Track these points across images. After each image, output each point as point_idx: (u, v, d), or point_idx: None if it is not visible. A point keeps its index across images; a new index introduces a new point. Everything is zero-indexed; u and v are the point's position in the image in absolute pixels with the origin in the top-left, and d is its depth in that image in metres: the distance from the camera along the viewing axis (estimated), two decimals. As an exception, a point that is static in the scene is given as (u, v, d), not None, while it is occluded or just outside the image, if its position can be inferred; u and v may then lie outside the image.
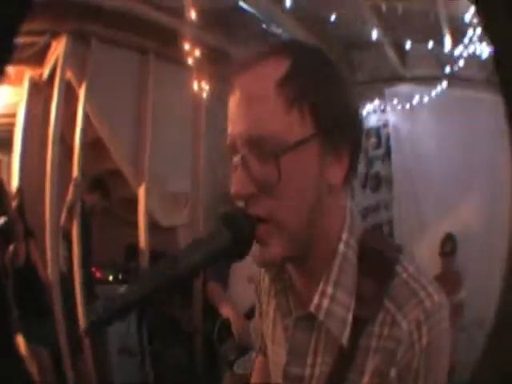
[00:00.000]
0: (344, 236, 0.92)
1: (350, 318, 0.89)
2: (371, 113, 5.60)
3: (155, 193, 4.40)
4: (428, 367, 0.86)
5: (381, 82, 5.38)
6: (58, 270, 3.79)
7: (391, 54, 4.84)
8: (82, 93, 3.91)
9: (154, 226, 4.38)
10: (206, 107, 4.61)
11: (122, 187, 4.43)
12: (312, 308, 0.91)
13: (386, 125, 5.73)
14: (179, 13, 3.40)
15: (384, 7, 3.92)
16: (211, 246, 0.83)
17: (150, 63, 4.30)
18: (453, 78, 4.66)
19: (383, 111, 5.63)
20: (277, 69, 0.86)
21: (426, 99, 5.14)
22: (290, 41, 0.99)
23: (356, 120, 0.91)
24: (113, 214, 4.73)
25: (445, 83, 4.72)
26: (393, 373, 0.86)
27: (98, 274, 4.52)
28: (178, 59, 3.64)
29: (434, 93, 4.98)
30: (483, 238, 4.68)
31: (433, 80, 4.90)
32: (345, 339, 0.88)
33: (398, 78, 5.34)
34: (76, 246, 3.84)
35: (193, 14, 3.23)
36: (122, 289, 0.78)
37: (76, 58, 3.87)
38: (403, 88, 5.41)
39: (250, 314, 3.04)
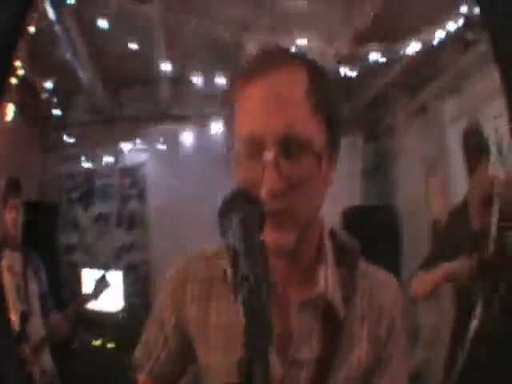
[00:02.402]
0: (326, 228, 1.09)
1: (340, 296, 1.04)
2: (129, 151, 5.67)
3: None
4: (403, 324, 1.09)
5: (142, 120, 5.53)
6: None
7: (163, 91, 5.05)
8: None
9: None
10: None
11: None
12: (321, 290, 1.03)
13: (143, 164, 5.84)
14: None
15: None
16: None
17: None
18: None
19: (141, 150, 5.70)
20: (302, 76, 0.96)
21: (186, 139, 5.39)
22: (302, 53, 1.07)
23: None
24: None
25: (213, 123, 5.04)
26: (383, 332, 1.07)
27: None
28: None
29: (193, 133, 5.27)
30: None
31: (196, 119, 5.20)
32: (343, 314, 1.03)
33: (157, 117, 5.54)
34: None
35: None
36: None
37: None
38: (161, 127, 5.59)
39: None
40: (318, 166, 0.96)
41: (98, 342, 4.08)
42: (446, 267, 2.92)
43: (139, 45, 3.54)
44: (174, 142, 5.53)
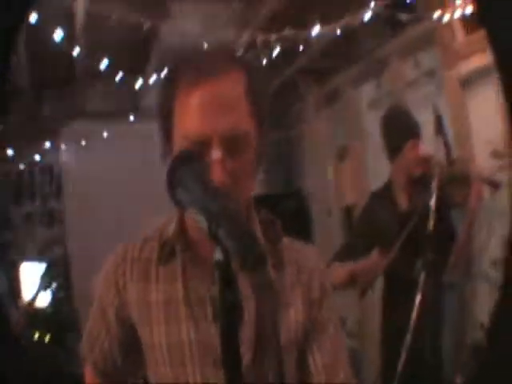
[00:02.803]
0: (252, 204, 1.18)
1: (270, 263, 1.11)
2: (47, 151, 5.67)
3: None
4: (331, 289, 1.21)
5: (58, 119, 5.57)
6: None
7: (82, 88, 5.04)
8: None
9: None
10: None
11: None
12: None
13: (58, 162, 5.91)
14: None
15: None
16: None
17: None
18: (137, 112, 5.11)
19: (58, 148, 5.73)
20: (240, 78, 1.06)
21: (104, 135, 5.42)
22: (238, 56, 1.19)
23: None
24: None
25: (129, 117, 5.12)
26: (316, 294, 1.17)
27: None
28: None
29: (112, 128, 5.33)
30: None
31: (114, 115, 5.28)
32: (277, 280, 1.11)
33: (76, 115, 5.59)
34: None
35: None
36: None
37: None
38: (79, 124, 5.60)
39: None
40: (255, 159, 1.08)
41: (36, 335, 4.08)
42: (355, 266, 2.90)
43: (63, 39, 3.53)
44: (90, 139, 5.55)
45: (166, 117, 1.09)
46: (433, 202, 2.69)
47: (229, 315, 0.78)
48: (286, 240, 1.20)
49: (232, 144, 1.02)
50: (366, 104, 4.99)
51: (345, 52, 4.87)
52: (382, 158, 3.53)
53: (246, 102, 1.05)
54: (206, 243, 1.04)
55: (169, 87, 1.09)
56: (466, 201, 2.92)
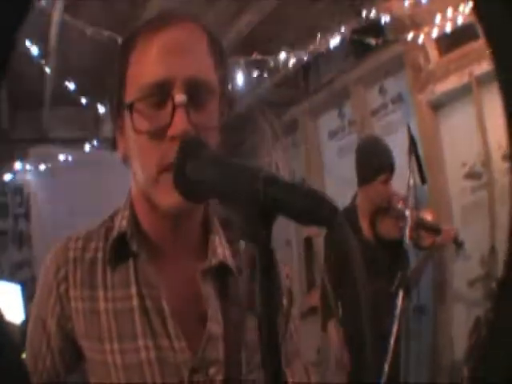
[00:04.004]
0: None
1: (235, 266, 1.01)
2: (17, 172, 5.67)
3: None
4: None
5: (25, 141, 5.62)
6: None
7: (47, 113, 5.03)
8: None
9: None
10: None
11: None
12: (220, 257, 0.99)
13: (27, 184, 5.91)
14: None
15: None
16: None
17: None
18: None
19: (26, 170, 5.73)
20: (201, 32, 0.96)
21: (68, 160, 5.48)
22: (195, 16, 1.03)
23: None
24: None
25: (86, 145, 5.18)
26: (284, 299, 1.06)
27: None
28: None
29: (75, 154, 5.39)
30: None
31: (75, 142, 5.34)
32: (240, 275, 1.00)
33: (42, 139, 5.67)
34: None
35: None
36: None
37: None
38: (45, 148, 5.68)
39: None
40: (218, 114, 0.97)
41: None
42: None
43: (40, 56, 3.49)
44: (54, 162, 5.55)
45: (120, 78, 0.96)
46: (407, 226, 2.84)
47: (269, 306, 0.65)
48: (242, 241, 1.06)
49: (194, 92, 0.90)
50: (327, 134, 4.95)
51: (306, 81, 4.82)
52: (343, 189, 3.56)
53: (207, 52, 0.96)
54: (167, 239, 0.99)
55: (125, 47, 0.97)
56: (430, 247, 3.16)
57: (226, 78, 1.02)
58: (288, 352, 1.05)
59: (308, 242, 5.12)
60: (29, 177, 5.81)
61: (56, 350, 1.03)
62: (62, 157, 5.47)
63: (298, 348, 1.10)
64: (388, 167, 3.09)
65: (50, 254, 1.05)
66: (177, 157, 0.83)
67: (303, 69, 4.40)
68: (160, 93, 0.90)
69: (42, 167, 5.59)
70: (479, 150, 3.37)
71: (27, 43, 3.42)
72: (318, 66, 4.63)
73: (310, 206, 0.61)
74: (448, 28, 3.31)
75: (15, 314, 4.51)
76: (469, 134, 3.43)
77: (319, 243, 4.75)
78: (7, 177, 5.66)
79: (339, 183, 4.50)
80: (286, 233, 5.33)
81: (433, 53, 3.66)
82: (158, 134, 0.90)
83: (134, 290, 0.97)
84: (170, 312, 0.96)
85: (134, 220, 1.01)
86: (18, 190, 6.00)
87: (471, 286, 3.49)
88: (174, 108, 0.88)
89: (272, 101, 5.16)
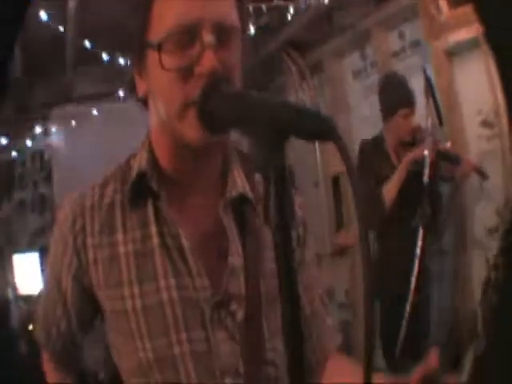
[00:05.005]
0: None
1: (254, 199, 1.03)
2: (38, 137, 5.66)
3: None
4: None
5: (47, 105, 5.55)
6: None
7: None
8: None
9: None
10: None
11: None
12: (240, 190, 1.01)
13: (48, 147, 5.88)
14: None
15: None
16: None
17: None
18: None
19: (46, 134, 5.71)
20: None
21: (91, 116, 5.37)
22: None
23: None
24: None
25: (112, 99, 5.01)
26: (301, 230, 1.09)
27: None
28: None
29: (98, 109, 5.30)
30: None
31: (100, 97, 5.22)
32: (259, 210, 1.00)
33: (65, 99, 5.56)
34: None
35: None
36: None
37: None
38: (68, 108, 5.59)
39: None
40: (241, 53, 0.98)
41: (31, 327, 4.06)
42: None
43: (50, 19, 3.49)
44: (78, 121, 5.50)
45: (143, 19, 0.97)
46: (427, 163, 3.01)
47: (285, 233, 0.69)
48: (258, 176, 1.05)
49: (221, 33, 0.93)
50: (351, 75, 5.00)
51: (328, 24, 4.87)
52: (368, 128, 3.59)
53: None
54: (188, 176, 1.01)
55: None
56: (453, 177, 3.22)
57: (246, 19, 1.05)
58: (304, 280, 1.06)
59: (335, 182, 5.12)
60: (51, 139, 5.76)
61: (72, 310, 1.04)
62: (85, 114, 5.38)
63: (316, 276, 1.13)
64: (407, 102, 3.18)
65: (64, 207, 1.04)
66: (202, 92, 0.89)
67: (327, 12, 4.46)
68: (189, 33, 0.92)
69: (67, 127, 5.54)
70: (490, 100, 3.37)
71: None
72: (341, 10, 4.67)
73: (315, 126, 0.70)
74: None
75: (33, 285, 4.53)
76: (483, 83, 3.41)
77: (346, 182, 4.85)
78: (27, 143, 5.65)
79: (364, 122, 4.54)
80: (313, 174, 5.34)
81: (443, 4, 3.65)
82: (186, 72, 0.92)
83: (153, 229, 0.98)
84: (190, 249, 0.97)
85: (153, 160, 1.01)
86: (37, 154, 5.99)
87: (489, 234, 3.49)
88: (203, 47, 0.91)
89: (297, 42, 5.23)
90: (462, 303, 3.55)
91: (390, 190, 3.08)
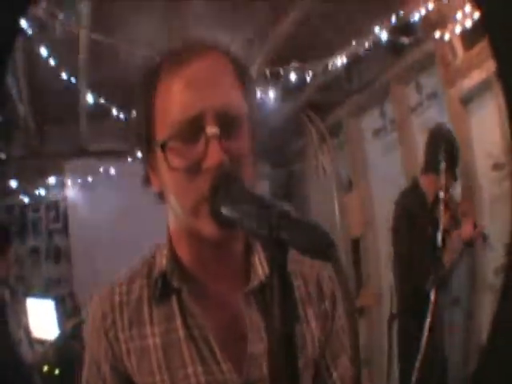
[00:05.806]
0: None
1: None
2: (52, 187, 5.75)
3: None
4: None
5: (62, 156, 5.69)
6: None
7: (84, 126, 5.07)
8: None
9: None
10: None
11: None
12: (261, 277, 1.01)
13: (64, 199, 6.00)
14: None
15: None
16: None
17: None
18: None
19: (62, 185, 5.81)
20: (228, 63, 0.98)
21: (109, 173, 5.48)
22: (222, 44, 1.04)
23: None
24: None
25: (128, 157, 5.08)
26: (327, 305, 1.09)
27: None
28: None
29: (116, 167, 5.40)
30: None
31: (116, 154, 5.28)
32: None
33: (81, 152, 5.67)
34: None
35: None
36: None
37: None
38: (84, 162, 5.73)
39: None
40: (250, 149, 0.98)
41: (45, 368, 4.02)
42: None
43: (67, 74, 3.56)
44: (94, 176, 5.59)
45: (147, 115, 0.98)
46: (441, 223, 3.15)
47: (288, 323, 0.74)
48: None
49: (226, 123, 0.92)
50: (371, 133, 5.01)
51: (347, 83, 4.90)
52: (388, 187, 3.61)
53: (235, 81, 0.98)
54: (209, 269, 1.03)
55: (149, 81, 0.99)
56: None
57: (254, 103, 1.04)
58: (333, 348, 1.09)
59: (355, 244, 5.14)
60: (67, 191, 5.88)
61: None
62: (99, 170, 5.49)
63: (345, 344, 1.11)
64: (452, 158, 3.32)
65: (94, 301, 1.09)
66: (211, 188, 0.90)
67: (345, 70, 4.49)
68: (192, 128, 0.92)
69: (83, 180, 5.63)
70: (501, 140, 3.44)
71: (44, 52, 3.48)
72: (359, 67, 4.70)
73: (312, 242, 0.72)
74: (468, 24, 3.38)
75: (48, 330, 4.56)
76: (493, 125, 3.46)
77: (366, 244, 4.79)
78: (41, 192, 5.72)
79: (385, 181, 4.59)
80: (332, 235, 5.38)
81: (458, 47, 3.73)
82: (193, 168, 0.92)
83: (179, 321, 1.02)
84: (214, 338, 1.00)
85: (173, 257, 1.04)
86: (52, 205, 6.09)
87: (496, 274, 3.55)
88: (208, 140, 0.91)
89: (316, 103, 5.31)
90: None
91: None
